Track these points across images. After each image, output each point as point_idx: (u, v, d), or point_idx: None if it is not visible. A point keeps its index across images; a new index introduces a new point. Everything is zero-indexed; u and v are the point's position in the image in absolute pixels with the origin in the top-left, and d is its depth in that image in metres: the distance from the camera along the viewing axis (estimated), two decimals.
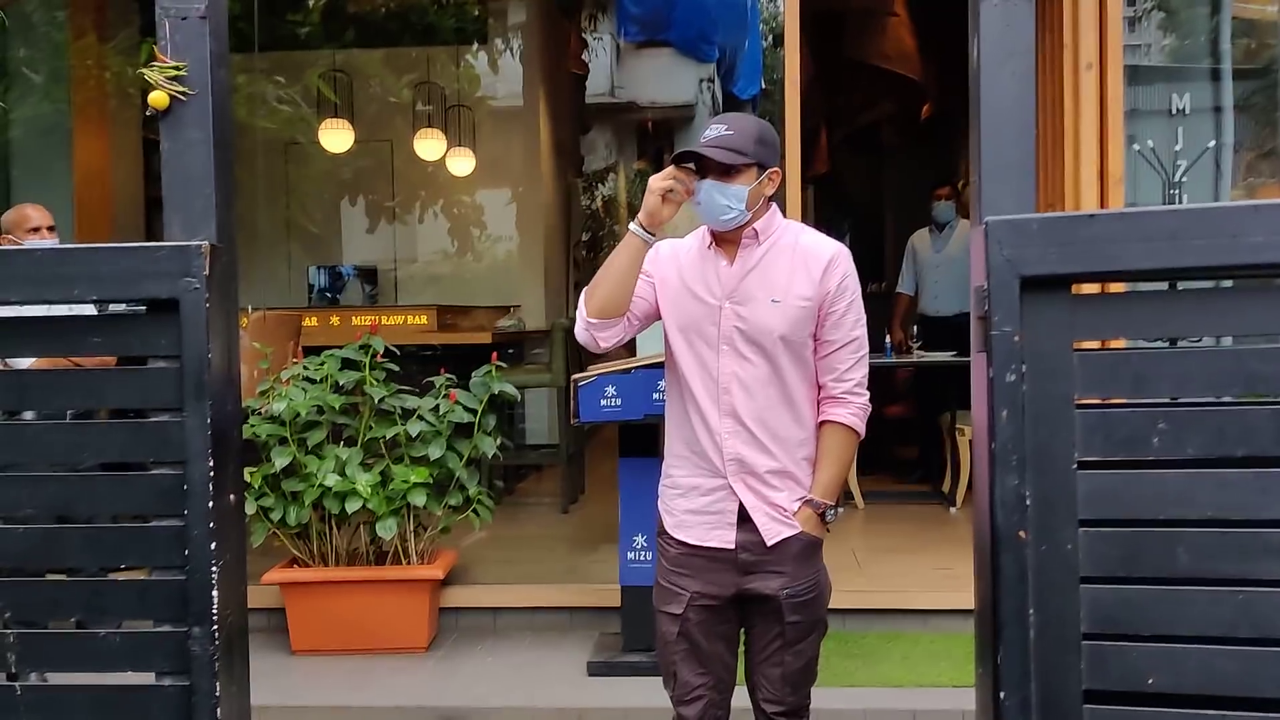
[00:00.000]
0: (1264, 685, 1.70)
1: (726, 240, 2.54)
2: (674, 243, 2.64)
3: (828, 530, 2.58)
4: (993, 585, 1.79)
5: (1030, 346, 1.73)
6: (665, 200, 2.41)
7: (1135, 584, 1.74)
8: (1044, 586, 1.75)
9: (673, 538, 2.58)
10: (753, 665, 2.61)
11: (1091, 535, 1.74)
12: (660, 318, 2.60)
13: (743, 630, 2.62)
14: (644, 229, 2.43)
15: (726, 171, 2.42)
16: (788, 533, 2.50)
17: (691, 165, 2.45)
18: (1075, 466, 1.73)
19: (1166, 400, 1.74)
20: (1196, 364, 1.75)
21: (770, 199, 2.53)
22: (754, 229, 2.51)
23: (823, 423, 2.56)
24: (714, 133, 2.45)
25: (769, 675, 2.57)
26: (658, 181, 2.41)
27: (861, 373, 2.60)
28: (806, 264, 2.50)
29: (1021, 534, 1.74)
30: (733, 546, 2.50)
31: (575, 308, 2.61)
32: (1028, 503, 1.74)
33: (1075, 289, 1.74)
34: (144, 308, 1.98)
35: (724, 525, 2.52)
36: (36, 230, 4.45)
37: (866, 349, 2.62)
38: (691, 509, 2.56)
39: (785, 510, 2.51)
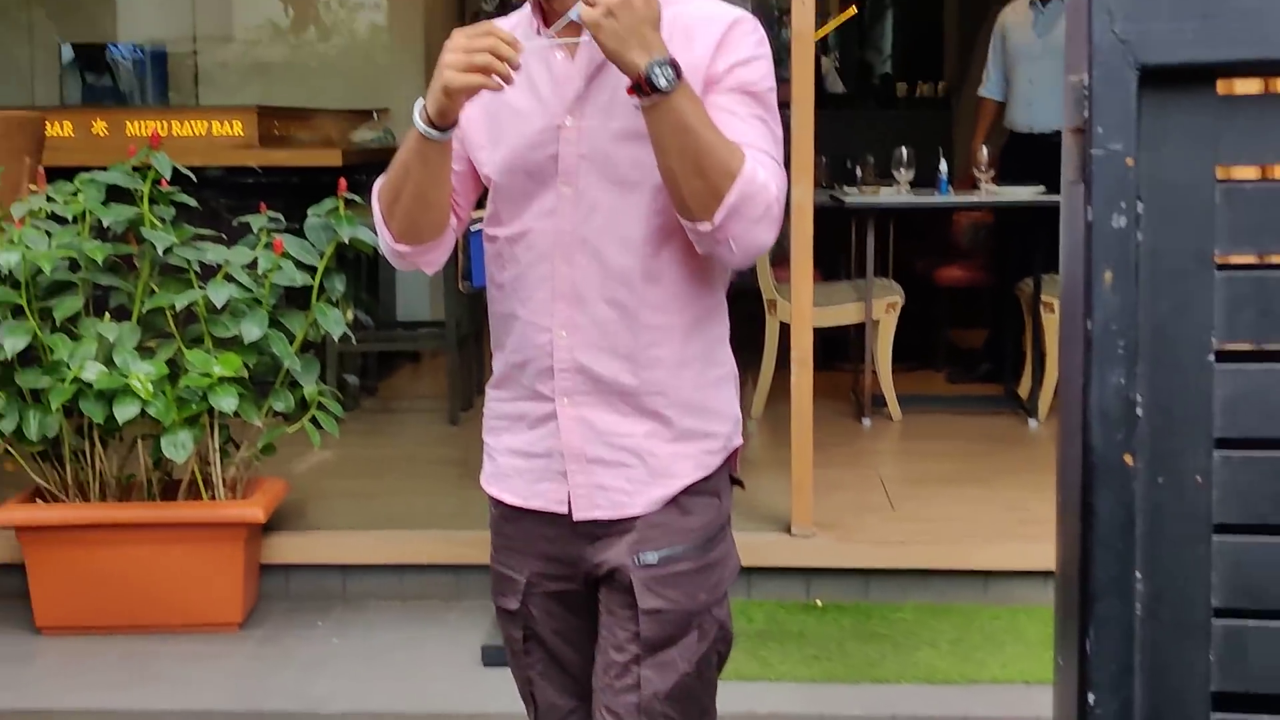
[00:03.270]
0: None
1: (568, 21, 2.20)
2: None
3: (653, 81, 2.07)
4: (1083, 536, 1.78)
5: (1151, 174, 1.70)
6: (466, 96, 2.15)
7: None
8: (1159, 539, 1.75)
9: (490, 496, 2.47)
10: (597, 694, 2.37)
11: (1233, 463, 1.73)
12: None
13: None
14: (435, 127, 2.21)
15: None
16: (604, 513, 2.33)
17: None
18: (1212, 358, 1.72)
19: None
20: None
21: None
22: None
23: None
24: None
25: (616, 708, 2.32)
26: (457, 75, 2.12)
27: (778, 179, 2.22)
28: (689, 35, 2.22)
29: (1128, 459, 1.73)
30: (564, 510, 2.35)
31: None
32: (1139, 413, 1.73)
33: (1223, 86, 1.70)
34: None
35: (553, 475, 2.36)
36: None
37: (781, 168, 2.26)
38: (513, 447, 2.42)
39: (617, 475, 2.32)
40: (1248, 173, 1.83)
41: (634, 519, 2.32)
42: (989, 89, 7.24)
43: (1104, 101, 1.69)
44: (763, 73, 2.27)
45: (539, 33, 2.28)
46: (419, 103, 2.22)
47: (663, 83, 2.05)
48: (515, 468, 2.41)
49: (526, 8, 2.32)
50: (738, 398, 2.47)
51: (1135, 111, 1.69)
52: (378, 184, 2.41)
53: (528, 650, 2.46)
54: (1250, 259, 1.74)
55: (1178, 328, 1.71)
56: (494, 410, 2.47)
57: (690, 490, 2.34)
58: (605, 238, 2.25)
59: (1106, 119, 1.69)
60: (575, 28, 2.18)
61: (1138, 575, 1.75)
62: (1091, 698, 1.77)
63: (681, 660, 2.32)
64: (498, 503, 2.46)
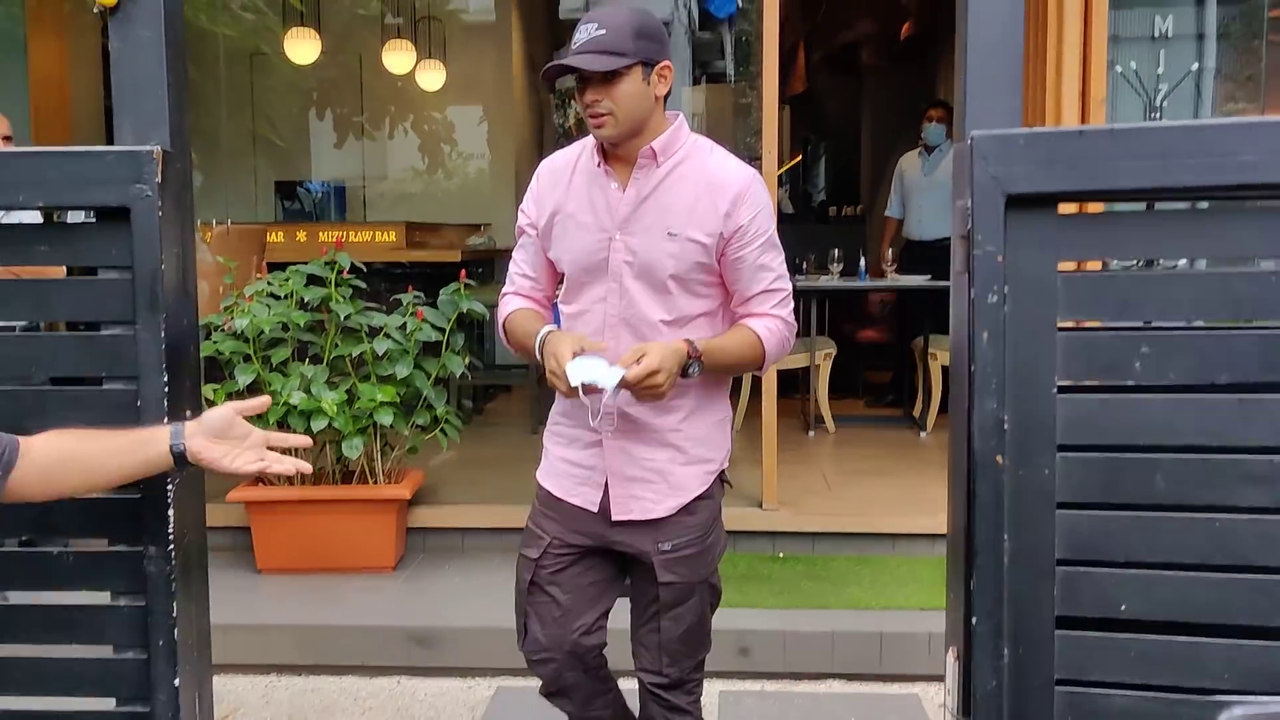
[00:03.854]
0: (1236, 612, 1.70)
1: (620, 159, 2.21)
2: (555, 164, 2.32)
3: (689, 372, 2.16)
4: (968, 510, 1.77)
5: (1013, 267, 1.69)
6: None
7: (1112, 510, 1.73)
8: (1020, 512, 1.73)
9: (540, 483, 2.40)
10: (631, 630, 2.41)
11: (1070, 461, 1.72)
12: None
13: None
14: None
15: (607, 79, 2.08)
16: (636, 515, 2.28)
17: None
18: (1055, 391, 1.71)
19: (1149, 324, 1.71)
20: (1180, 287, 1.72)
21: (667, 98, 2.18)
22: (651, 149, 2.17)
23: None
24: (583, 35, 2.09)
25: (646, 643, 2.36)
26: (552, 378, 2.14)
27: (788, 308, 2.29)
28: (713, 195, 2.17)
29: (999, 459, 1.72)
30: (595, 510, 2.29)
31: None
32: (1006, 427, 1.71)
33: (1061, 208, 1.69)
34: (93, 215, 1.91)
35: (592, 483, 2.30)
36: None
37: (789, 288, 2.30)
38: (566, 458, 2.34)
39: (647, 489, 2.28)
40: (1069, 266, 1.82)
41: (654, 519, 2.29)
42: (891, 210, 7.22)
43: (982, 218, 1.68)
44: (770, 216, 2.25)
45: (599, 165, 2.22)
46: (537, 343, 2.21)
47: (694, 371, 2.16)
48: (565, 471, 2.34)
49: (590, 140, 2.25)
50: (730, 434, 2.43)
51: (1003, 225, 1.68)
52: (505, 322, 2.37)
53: (530, 591, 2.36)
54: (1079, 324, 1.74)
55: (1032, 370, 1.70)
56: (557, 429, 2.39)
57: (697, 498, 2.31)
58: (640, 320, 2.21)
59: (984, 229, 1.69)
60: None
61: (1005, 537, 1.74)
62: (974, 620, 1.76)
63: (688, 614, 2.32)
64: (546, 491, 2.37)
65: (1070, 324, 1.71)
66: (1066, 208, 1.69)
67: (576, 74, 2.10)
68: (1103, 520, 1.72)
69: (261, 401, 1.85)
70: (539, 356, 2.20)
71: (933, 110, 6.86)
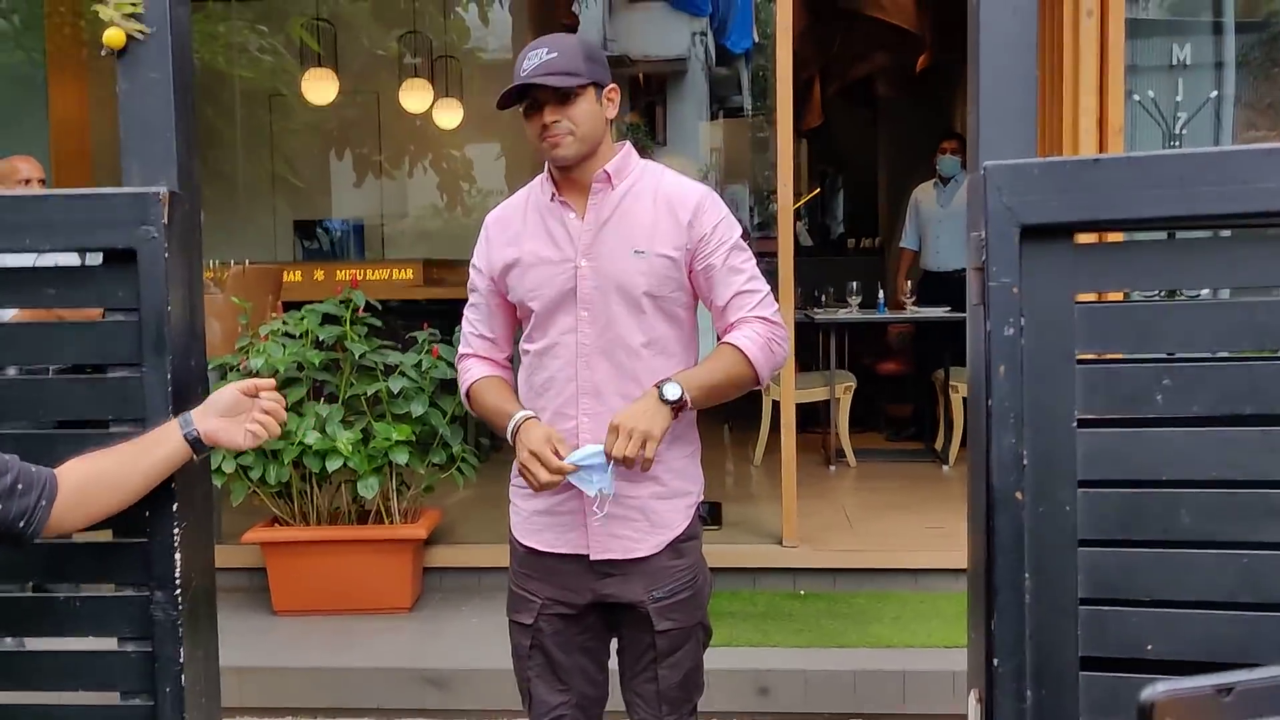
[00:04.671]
0: (1266, 653, 1.65)
1: (574, 187, 2.19)
2: (503, 214, 2.30)
3: (673, 414, 2.11)
4: (987, 547, 1.73)
5: (1029, 299, 1.66)
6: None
7: (1135, 547, 1.69)
8: (1040, 549, 1.69)
9: (518, 541, 2.30)
10: (624, 682, 2.32)
11: (1091, 496, 1.68)
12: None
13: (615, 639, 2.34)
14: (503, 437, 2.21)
15: (565, 97, 2.09)
16: (617, 554, 2.20)
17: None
18: (1075, 425, 1.67)
19: (1171, 355, 1.68)
20: (1202, 317, 1.68)
21: (613, 122, 2.20)
22: (605, 171, 2.16)
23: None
24: (535, 60, 2.09)
25: (642, 693, 2.28)
26: (522, 463, 2.13)
27: (769, 308, 2.21)
28: (672, 210, 2.16)
29: (1018, 495, 1.68)
30: (586, 552, 2.21)
31: None
32: (1025, 463, 1.68)
33: (1078, 238, 1.66)
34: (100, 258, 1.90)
35: (577, 527, 2.21)
36: (25, 182, 4.31)
37: (767, 288, 2.23)
38: (539, 509, 2.25)
39: (627, 527, 2.20)
40: (1090, 297, 1.79)
41: (643, 560, 2.21)
42: (907, 242, 7.20)
43: (996, 249, 1.65)
44: (733, 224, 2.21)
45: (552, 198, 2.19)
46: (510, 427, 2.16)
47: (679, 397, 2.10)
48: (544, 524, 2.25)
49: (537, 181, 2.25)
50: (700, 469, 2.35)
51: (1018, 256, 1.65)
52: (470, 390, 2.32)
53: (530, 655, 2.28)
54: (1098, 355, 1.70)
55: (1050, 404, 1.67)
56: (521, 483, 2.25)
57: (681, 539, 2.24)
58: (617, 345, 2.15)
59: (998, 261, 1.66)
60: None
61: (1026, 575, 1.70)
62: (995, 660, 1.72)
63: (686, 659, 2.27)
64: (527, 549, 2.27)
65: (1089, 356, 1.67)
66: (1084, 237, 1.66)
67: (529, 100, 2.11)
68: (1126, 557, 1.68)
69: (267, 381, 1.89)
70: (510, 441, 2.17)
71: (946, 142, 6.87)
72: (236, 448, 1.85)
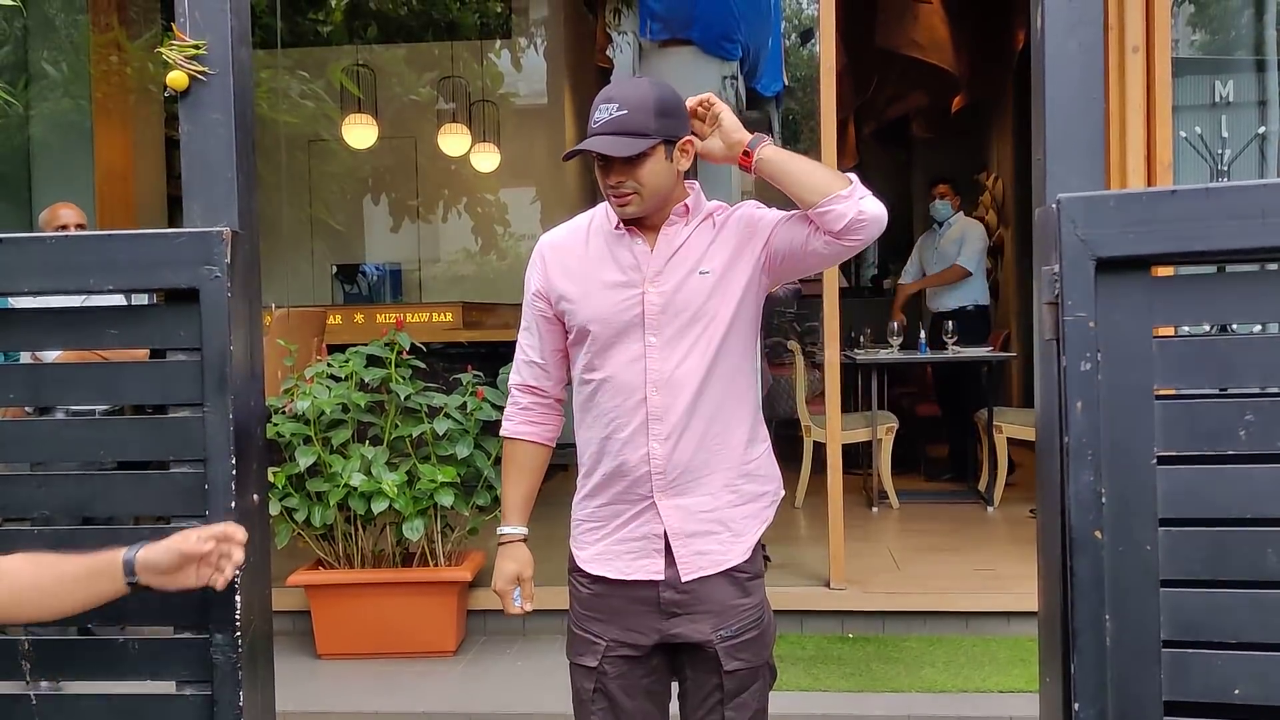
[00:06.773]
0: None
1: (640, 223, 2.14)
2: (559, 239, 2.25)
3: (745, 150, 2.09)
4: (1064, 589, 1.68)
5: (1106, 333, 1.62)
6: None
7: (1220, 588, 1.64)
8: (1121, 590, 1.65)
9: (585, 573, 2.22)
10: None
11: (1173, 535, 1.63)
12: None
13: (676, 683, 2.26)
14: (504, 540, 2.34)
15: (630, 161, 2.01)
16: (708, 570, 2.15)
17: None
18: (1155, 462, 1.63)
19: (1254, 390, 1.63)
20: None
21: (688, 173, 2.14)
22: (685, 205, 2.13)
23: None
24: (604, 114, 2.01)
25: None
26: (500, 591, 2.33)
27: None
28: (726, 225, 2.15)
29: (1097, 534, 1.64)
30: (661, 577, 2.14)
31: None
32: (1103, 501, 1.64)
33: (1155, 271, 1.63)
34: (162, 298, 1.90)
35: (650, 553, 2.15)
36: (65, 228, 4.37)
37: None
38: (615, 537, 2.20)
39: (711, 541, 2.16)
40: (1169, 331, 1.75)
41: (713, 593, 2.15)
42: (904, 278, 7.43)
43: (1072, 282, 1.62)
44: (764, 208, 2.22)
45: (617, 227, 2.14)
46: (498, 533, 2.34)
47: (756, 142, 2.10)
48: (615, 552, 2.19)
49: (598, 209, 2.21)
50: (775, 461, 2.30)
51: (1094, 289, 1.62)
52: (506, 442, 2.38)
53: (594, 699, 2.19)
54: (1178, 390, 1.66)
55: (1129, 441, 1.63)
56: (585, 516, 2.25)
57: (746, 575, 2.19)
58: (684, 369, 2.11)
59: (1073, 294, 1.63)
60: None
61: (1107, 617, 1.65)
62: (1076, 706, 1.67)
63: (753, 700, 2.20)
64: (595, 579, 2.21)
65: (1169, 391, 1.63)
66: (1161, 270, 1.63)
67: (597, 155, 2.04)
68: (1210, 598, 1.63)
69: (202, 550, 1.71)
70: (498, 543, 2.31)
71: (938, 186, 7.02)
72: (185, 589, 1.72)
